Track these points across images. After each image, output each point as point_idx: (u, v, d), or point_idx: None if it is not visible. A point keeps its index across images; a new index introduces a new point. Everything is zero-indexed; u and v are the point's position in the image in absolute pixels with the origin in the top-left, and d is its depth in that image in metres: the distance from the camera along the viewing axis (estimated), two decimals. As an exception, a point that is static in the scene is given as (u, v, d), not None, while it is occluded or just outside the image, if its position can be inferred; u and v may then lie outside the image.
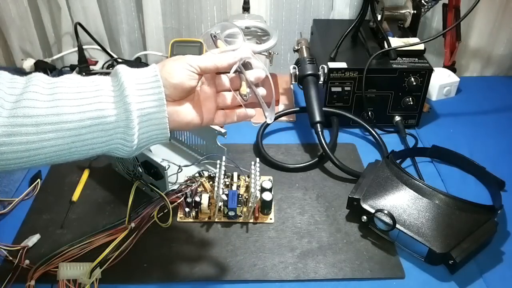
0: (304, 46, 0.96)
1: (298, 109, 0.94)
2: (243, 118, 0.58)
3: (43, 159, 0.48)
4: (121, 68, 0.50)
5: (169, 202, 0.66)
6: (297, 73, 0.90)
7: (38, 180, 0.75)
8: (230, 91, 0.57)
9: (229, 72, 0.54)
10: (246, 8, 1.00)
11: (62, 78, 0.49)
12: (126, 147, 0.50)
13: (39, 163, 0.48)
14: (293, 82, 0.91)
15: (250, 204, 0.69)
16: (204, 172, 0.74)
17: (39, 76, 0.49)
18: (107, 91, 0.49)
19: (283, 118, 0.94)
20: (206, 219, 0.70)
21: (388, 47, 0.89)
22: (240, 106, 0.57)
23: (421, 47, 0.90)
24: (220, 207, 0.70)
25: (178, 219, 0.70)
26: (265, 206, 0.70)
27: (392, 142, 0.89)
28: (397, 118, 0.92)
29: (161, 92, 0.49)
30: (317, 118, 0.83)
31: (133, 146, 0.50)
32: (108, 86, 0.49)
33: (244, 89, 0.55)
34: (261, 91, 0.56)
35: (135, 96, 0.48)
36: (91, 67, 1.05)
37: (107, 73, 0.94)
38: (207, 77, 0.55)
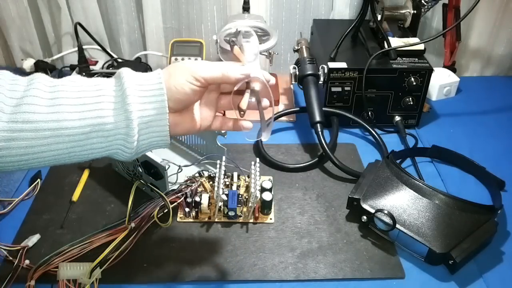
0: (304, 46, 0.96)
1: (298, 109, 0.94)
2: (238, 129, 0.57)
3: (42, 162, 0.47)
4: (124, 72, 0.49)
5: (169, 202, 0.66)
6: (297, 73, 0.90)
7: (38, 180, 0.75)
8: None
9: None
10: (246, 8, 1.00)
11: (64, 81, 0.48)
12: (126, 152, 0.49)
13: (38, 166, 0.48)
14: (293, 82, 0.91)
15: (250, 204, 0.69)
16: (204, 172, 0.74)
17: (41, 78, 0.48)
18: (108, 97, 0.48)
19: (283, 118, 0.94)
20: (206, 219, 0.70)
21: (388, 47, 0.89)
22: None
23: (421, 47, 0.90)
24: (220, 207, 0.70)
25: (178, 219, 0.70)
26: (265, 206, 0.70)
27: (392, 142, 0.89)
28: (397, 118, 0.92)
29: (163, 100, 0.48)
30: (317, 118, 0.83)
31: (132, 152, 0.49)
32: (110, 91, 0.48)
33: (244, 104, 0.53)
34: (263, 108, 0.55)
35: (137, 104, 0.47)
36: (91, 67, 1.04)
37: (108, 74, 0.95)
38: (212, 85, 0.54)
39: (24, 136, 0.45)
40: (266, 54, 0.96)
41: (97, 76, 0.93)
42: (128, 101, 0.47)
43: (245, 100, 0.54)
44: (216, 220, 0.70)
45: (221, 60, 1.14)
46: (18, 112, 0.45)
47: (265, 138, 0.56)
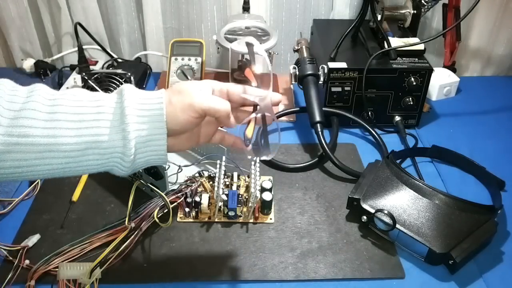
0: (304, 46, 0.96)
1: (298, 109, 0.94)
2: (239, 150, 0.57)
3: (36, 175, 0.47)
4: (126, 89, 0.48)
5: (169, 202, 0.66)
6: (297, 73, 0.90)
7: (38, 180, 0.75)
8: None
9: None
10: (246, 8, 1.00)
11: (63, 95, 0.48)
12: (122, 170, 0.49)
13: (32, 178, 0.48)
14: (293, 82, 0.91)
15: (250, 204, 0.69)
16: (204, 172, 0.74)
17: (41, 90, 0.47)
18: (107, 115, 0.47)
19: (283, 118, 0.94)
20: (206, 219, 0.70)
21: (388, 47, 0.89)
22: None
23: (421, 47, 0.90)
24: (220, 207, 0.70)
25: (178, 219, 0.70)
26: (265, 206, 0.70)
27: (392, 142, 0.89)
28: (397, 118, 0.92)
29: (162, 120, 0.48)
30: (317, 118, 0.83)
31: (129, 169, 0.49)
32: (109, 109, 0.47)
33: (250, 132, 0.53)
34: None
35: (135, 124, 0.47)
36: (91, 67, 1.04)
37: (108, 74, 0.95)
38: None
39: (19, 149, 0.45)
40: (266, 54, 0.96)
41: (97, 76, 0.94)
42: (126, 120, 0.46)
43: (251, 128, 0.53)
44: (216, 220, 0.70)
45: (221, 60, 1.14)
46: (15, 125, 0.44)
47: (269, 157, 0.56)
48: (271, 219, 0.71)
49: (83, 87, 0.93)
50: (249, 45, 0.54)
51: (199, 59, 0.96)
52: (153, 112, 0.48)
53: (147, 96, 0.49)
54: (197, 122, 0.50)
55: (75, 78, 1.00)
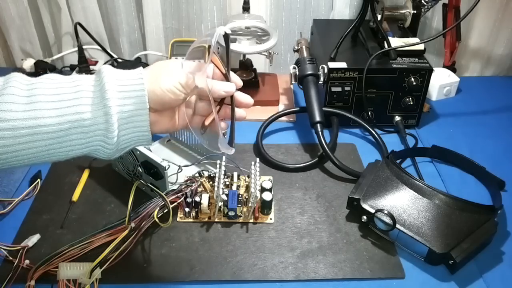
0: (304, 46, 0.96)
1: (298, 109, 0.94)
2: (215, 128, 0.57)
3: (21, 161, 0.47)
4: (105, 68, 0.49)
5: (169, 202, 0.66)
6: (297, 73, 0.90)
7: (38, 180, 0.75)
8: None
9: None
10: (246, 8, 1.00)
11: (41, 79, 0.48)
12: (107, 148, 0.49)
13: (17, 164, 0.47)
14: (293, 82, 0.91)
15: (250, 204, 0.69)
16: (204, 172, 0.74)
17: (17, 77, 0.47)
18: (87, 93, 0.47)
19: (283, 118, 0.94)
20: (206, 219, 0.70)
21: (388, 47, 0.89)
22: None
23: (421, 47, 0.90)
24: (220, 207, 0.70)
25: (178, 219, 0.70)
26: (265, 206, 0.70)
27: (392, 142, 0.89)
28: (397, 118, 0.92)
29: (144, 95, 0.48)
30: (317, 118, 0.83)
31: (113, 148, 0.49)
32: (89, 87, 0.48)
33: (207, 122, 0.56)
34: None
35: (116, 99, 0.47)
36: (91, 67, 1.05)
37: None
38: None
39: (1, 135, 0.44)
40: (266, 54, 0.96)
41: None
42: (107, 96, 0.47)
43: (210, 118, 0.56)
44: (216, 220, 0.70)
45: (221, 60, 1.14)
46: None
47: (230, 151, 0.57)
48: (271, 219, 0.71)
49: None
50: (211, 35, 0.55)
51: (202, 61, 0.96)
52: (133, 87, 0.48)
53: (126, 73, 0.49)
54: (182, 98, 0.51)
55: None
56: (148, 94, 0.49)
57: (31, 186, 0.75)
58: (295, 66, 0.91)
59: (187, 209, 0.69)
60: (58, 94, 0.46)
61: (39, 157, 0.47)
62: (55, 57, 1.11)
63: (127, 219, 0.64)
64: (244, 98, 0.57)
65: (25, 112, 0.45)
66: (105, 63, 1.07)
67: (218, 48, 0.55)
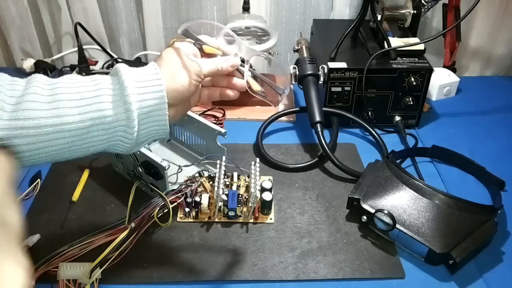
0: (304, 46, 0.96)
1: (298, 109, 0.94)
2: (226, 97, 0.60)
3: (44, 158, 0.48)
4: (121, 67, 0.50)
5: (169, 202, 0.66)
6: (297, 73, 0.90)
7: (38, 180, 0.75)
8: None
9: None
10: (246, 8, 1.00)
11: (62, 79, 0.49)
12: (126, 143, 0.50)
13: (39, 162, 0.48)
14: (293, 82, 0.91)
15: (250, 204, 0.69)
16: (204, 172, 0.74)
17: (39, 77, 0.49)
18: (107, 90, 0.49)
19: (283, 118, 0.94)
20: (206, 219, 0.70)
21: (388, 47, 0.89)
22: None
23: (421, 47, 0.90)
24: (220, 207, 0.70)
25: (178, 219, 0.70)
26: (265, 206, 0.70)
27: (392, 142, 0.89)
28: (397, 118, 0.92)
29: (162, 90, 0.50)
30: (317, 118, 0.83)
31: (132, 143, 0.50)
32: (108, 85, 0.49)
33: (256, 87, 0.59)
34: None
35: (136, 95, 0.48)
36: (91, 67, 1.05)
37: (107, 73, 0.95)
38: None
39: (26, 133, 0.46)
40: (266, 54, 0.96)
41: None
42: (127, 92, 0.48)
43: (253, 83, 0.60)
44: (216, 220, 0.70)
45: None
46: (19, 109, 0.45)
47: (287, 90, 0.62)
48: (271, 219, 0.71)
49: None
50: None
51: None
52: (151, 83, 0.50)
53: (142, 70, 0.51)
54: (197, 86, 0.54)
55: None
56: (167, 91, 0.50)
57: (31, 186, 0.75)
58: (295, 66, 0.91)
59: (187, 209, 0.69)
60: (79, 93, 0.48)
61: (61, 154, 0.49)
62: (55, 57, 1.11)
63: (127, 219, 0.64)
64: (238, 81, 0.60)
65: (48, 111, 0.46)
66: (105, 63, 1.07)
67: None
